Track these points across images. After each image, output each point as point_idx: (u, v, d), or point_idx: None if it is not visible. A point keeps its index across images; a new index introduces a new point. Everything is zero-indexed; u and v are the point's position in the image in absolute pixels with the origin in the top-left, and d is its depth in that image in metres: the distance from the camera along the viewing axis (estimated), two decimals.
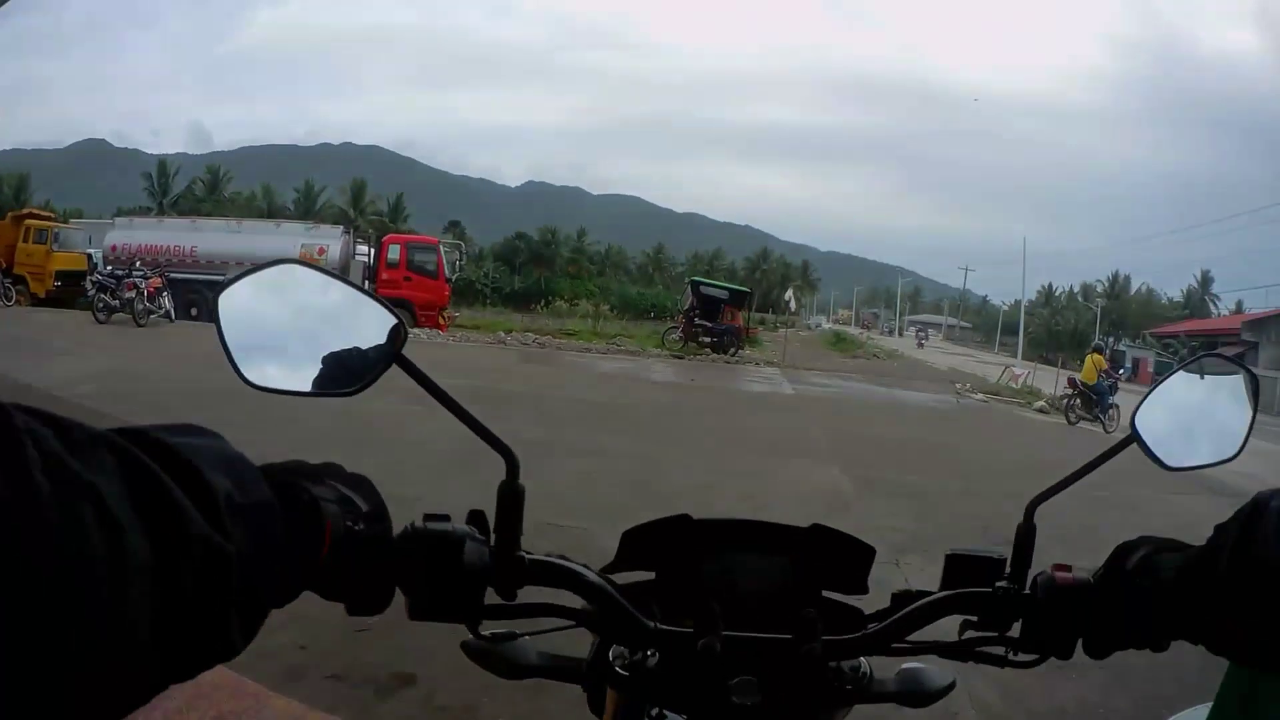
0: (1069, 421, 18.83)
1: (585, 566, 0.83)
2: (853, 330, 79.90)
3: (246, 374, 0.74)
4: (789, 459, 10.15)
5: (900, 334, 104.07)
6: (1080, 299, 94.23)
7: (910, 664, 0.93)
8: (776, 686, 0.82)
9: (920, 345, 65.32)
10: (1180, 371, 0.92)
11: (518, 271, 68.34)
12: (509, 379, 15.08)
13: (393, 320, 0.76)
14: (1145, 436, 0.88)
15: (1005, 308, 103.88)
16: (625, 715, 0.89)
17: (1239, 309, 76.82)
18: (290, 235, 27.05)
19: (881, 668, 0.92)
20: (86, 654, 0.43)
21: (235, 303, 0.73)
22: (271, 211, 69.44)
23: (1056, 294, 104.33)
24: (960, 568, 0.87)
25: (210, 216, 41.11)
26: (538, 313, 39.24)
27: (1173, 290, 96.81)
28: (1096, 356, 19.47)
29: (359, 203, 76.54)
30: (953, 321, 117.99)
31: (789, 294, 36.66)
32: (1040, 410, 21.99)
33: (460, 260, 33.11)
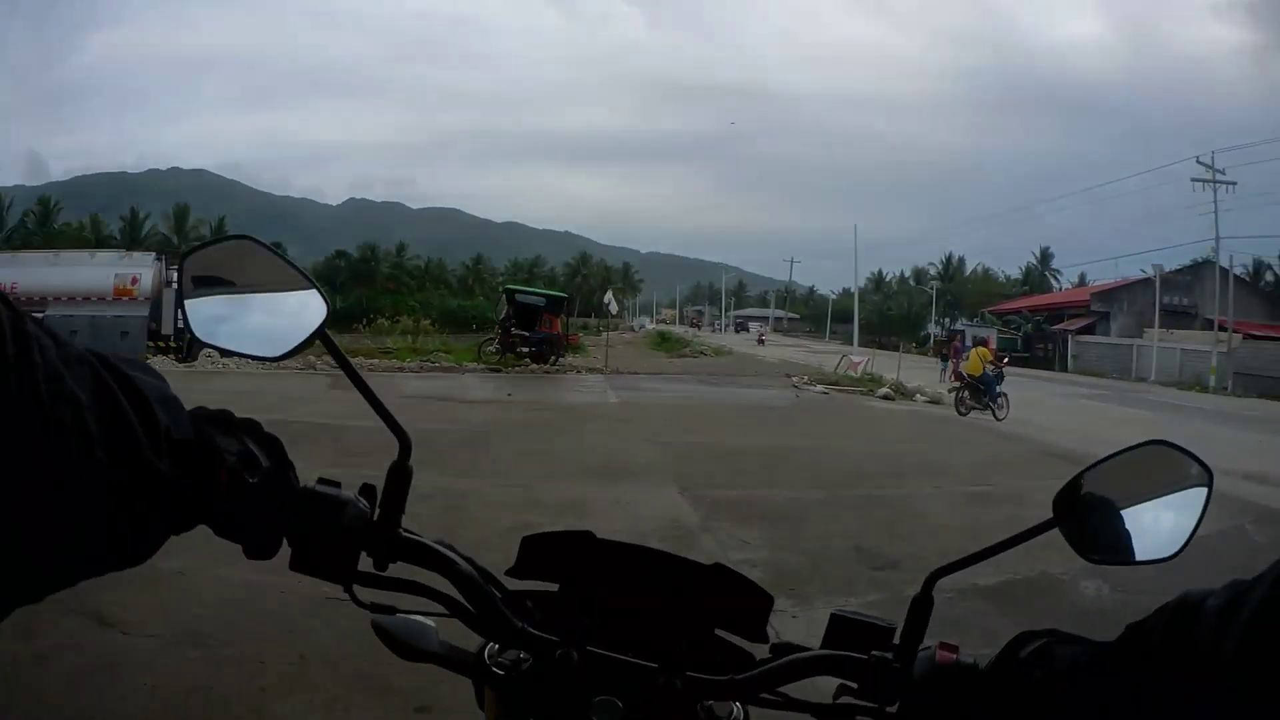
0: (960, 413, 19.30)
1: (466, 559, 0.90)
2: (678, 329, 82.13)
3: (194, 328, 0.86)
4: (617, 482, 9.30)
5: (739, 329, 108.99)
6: (913, 283, 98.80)
7: None
8: (639, 714, 0.86)
9: (761, 342, 65.92)
10: (1121, 455, 0.88)
11: (339, 291, 68.96)
12: (308, 410, 13.57)
13: (322, 302, 0.89)
14: (1069, 520, 0.86)
15: (834, 296, 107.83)
16: (504, 717, 0.92)
17: (1082, 282, 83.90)
18: (104, 265, 27.18)
19: None
20: (53, 534, 0.60)
21: (197, 265, 0.87)
22: (100, 242, 71.28)
23: (888, 279, 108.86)
24: (844, 631, 0.89)
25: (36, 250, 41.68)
26: (360, 332, 38.81)
27: (1011, 269, 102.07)
28: (982, 349, 20.58)
29: (182, 229, 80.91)
30: (780, 314, 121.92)
31: (608, 296, 36.42)
32: (885, 397, 22.41)
33: None
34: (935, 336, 70.10)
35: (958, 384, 20.09)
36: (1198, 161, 46.57)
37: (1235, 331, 43.37)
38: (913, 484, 9.77)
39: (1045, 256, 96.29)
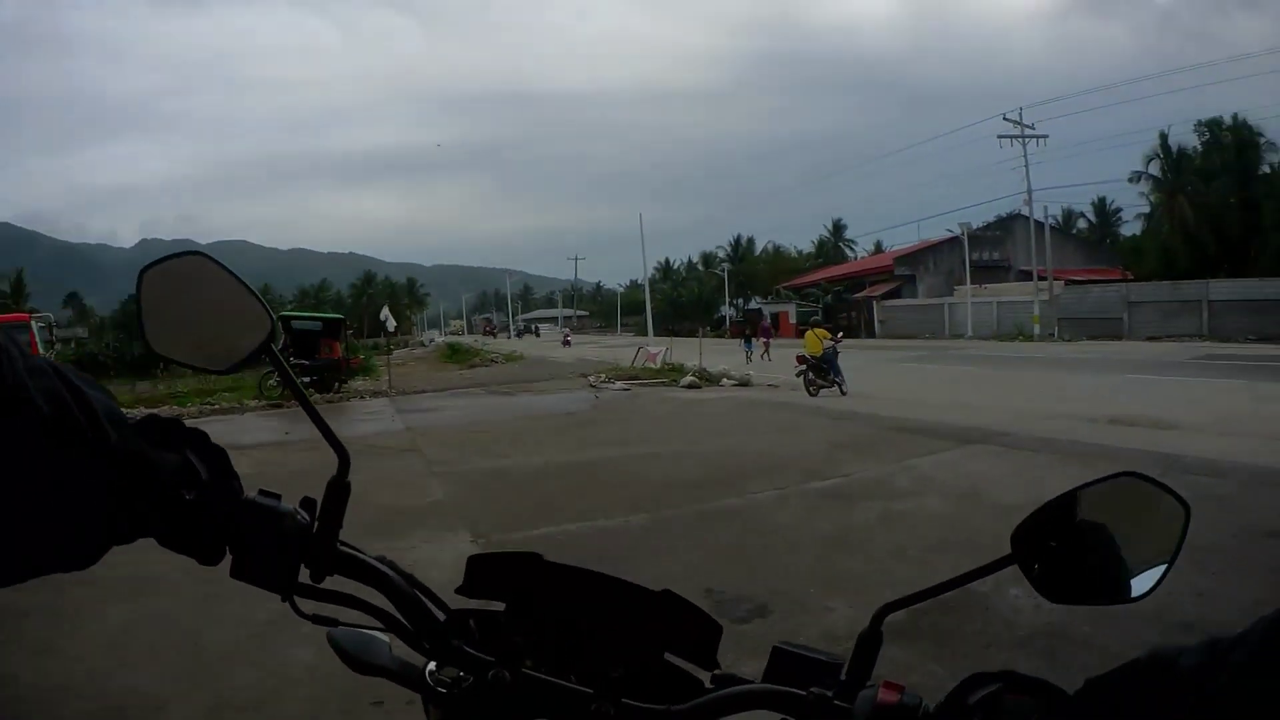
0: (810, 394, 19.44)
1: (406, 576, 0.92)
2: (467, 339, 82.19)
3: (150, 341, 0.91)
4: (397, 534, 7.57)
5: (526, 333, 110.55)
6: (701, 268, 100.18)
7: None
8: None
9: (566, 344, 65.00)
10: (1088, 488, 0.84)
11: (134, 338, 66.58)
12: None
13: (268, 318, 0.91)
14: (1029, 557, 0.84)
15: (622, 289, 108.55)
16: None
17: (879, 249, 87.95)
18: None
19: None
20: (8, 531, 0.67)
21: (154, 280, 0.90)
22: None
23: (676, 267, 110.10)
24: (787, 665, 0.89)
25: None
26: (160, 377, 36.05)
27: (804, 244, 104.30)
28: (819, 330, 20.55)
29: None
30: (569, 312, 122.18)
31: (384, 313, 34.85)
32: (690, 385, 22.14)
33: (52, 336, 32.72)
34: (731, 318, 71.30)
35: (801, 366, 20.16)
36: (1004, 118, 48.40)
37: (1055, 279, 45.56)
38: (751, 489, 8.49)
39: (838, 228, 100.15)
